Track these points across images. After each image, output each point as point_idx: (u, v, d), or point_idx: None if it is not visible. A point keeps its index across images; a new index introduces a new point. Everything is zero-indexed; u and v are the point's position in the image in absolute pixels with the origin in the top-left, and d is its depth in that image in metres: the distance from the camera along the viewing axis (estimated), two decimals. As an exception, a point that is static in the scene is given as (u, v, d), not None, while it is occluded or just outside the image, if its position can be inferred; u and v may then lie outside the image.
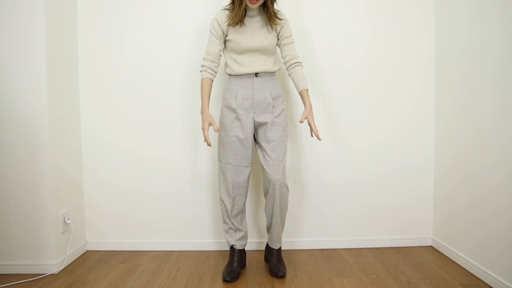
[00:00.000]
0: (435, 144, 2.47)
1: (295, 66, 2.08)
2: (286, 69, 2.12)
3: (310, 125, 2.01)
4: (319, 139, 2.02)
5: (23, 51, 2.03)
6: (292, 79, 2.11)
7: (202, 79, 2.04)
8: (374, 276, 2.06)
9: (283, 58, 2.11)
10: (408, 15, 2.43)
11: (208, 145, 1.97)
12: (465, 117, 2.14)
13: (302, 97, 2.06)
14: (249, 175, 2.11)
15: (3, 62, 2.04)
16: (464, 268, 2.14)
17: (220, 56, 2.07)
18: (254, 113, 2.05)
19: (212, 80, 2.06)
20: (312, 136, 2.05)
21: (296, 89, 2.09)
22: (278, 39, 2.08)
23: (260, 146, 2.07)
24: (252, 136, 2.08)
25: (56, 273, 2.11)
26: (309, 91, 2.13)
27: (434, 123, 2.48)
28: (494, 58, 1.91)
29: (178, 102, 2.43)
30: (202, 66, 2.06)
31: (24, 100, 2.05)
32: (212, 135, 2.40)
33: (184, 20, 2.40)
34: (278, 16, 2.02)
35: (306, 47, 2.39)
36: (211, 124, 1.97)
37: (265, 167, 2.02)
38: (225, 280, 2.01)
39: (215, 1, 2.37)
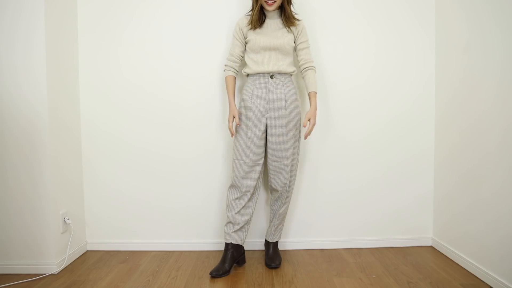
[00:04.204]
0: (435, 144, 2.47)
1: (307, 70, 2.18)
2: (300, 72, 2.23)
3: (311, 126, 2.13)
4: (304, 138, 2.17)
5: (22, 50, 2.03)
6: (304, 81, 2.22)
7: (226, 77, 2.21)
8: (374, 276, 2.06)
9: (298, 61, 2.22)
10: (408, 14, 2.44)
11: (232, 135, 2.18)
12: (465, 116, 2.14)
13: (309, 98, 2.18)
14: (260, 172, 2.17)
15: (3, 61, 2.04)
16: (464, 268, 2.14)
17: (242, 57, 2.21)
18: (268, 113, 2.12)
19: (235, 78, 2.22)
20: (302, 137, 2.21)
21: (306, 90, 2.20)
22: (295, 43, 2.17)
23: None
24: (264, 134, 2.16)
25: (56, 273, 2.11)
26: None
27: (433, 123, 2.48)
28: (494, 58, 1.91)
29: (179, 102, 2.43)
30: (225, 65, 2.22)
31: (24, 99, 2.05)
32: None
33: (184, 20, 2.40)
34: (295, 17, 2.13)
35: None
36: (234, 117, 2.14)
37: (272, 178, 2.23)
38: (211, 275, 2.05)
39: (214, 2, 2.39)
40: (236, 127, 2.19)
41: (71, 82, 2.34)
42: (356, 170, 2.49)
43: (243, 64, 2.24)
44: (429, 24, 2.45)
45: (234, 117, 2.14)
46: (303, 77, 2.21)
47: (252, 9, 2.13)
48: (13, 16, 2.02)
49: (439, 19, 2.40)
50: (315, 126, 2.31)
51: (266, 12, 2.13)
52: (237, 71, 2.22)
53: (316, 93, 2.17)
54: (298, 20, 2.15)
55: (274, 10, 2.10)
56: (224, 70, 2.24)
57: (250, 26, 2.11)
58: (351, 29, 2.43)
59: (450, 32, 2.30)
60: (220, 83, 2.41)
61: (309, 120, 2.12)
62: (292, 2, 2.13)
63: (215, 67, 2.41)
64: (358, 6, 2.43)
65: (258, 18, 2.09)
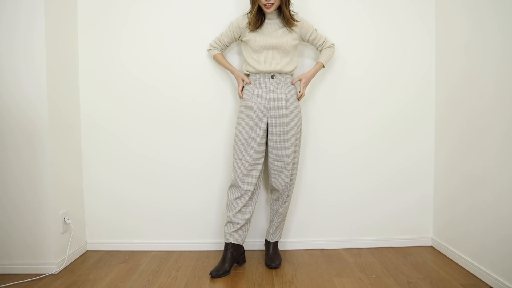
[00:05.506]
0: (435, 144, 2.47)
1: (323, 49, 2.27)
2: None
3: (301, 88, 2.22)
4: (297, 97, 2.21)
5: (23, 49, 2.03)
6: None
7: (214, 55, 2.29)
8: (374, 276, 2.07)
9: (316, 49, 2.31)
10: (408, 13, 2.44)
11: (240, 97, 2.23)
12: (465, 116, 2.14)
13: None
14: (260, 172, 2.18)
15: (3, 61, 2.04)
16: (464, 268, 2.14)
17: (227, 47, 2.30)
18: (269, 113, 2.14)
19: (222, 54, 2.30)
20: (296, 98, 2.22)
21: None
22: (303, 40, 2.24)
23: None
24: (265, 134, 2.17)
25: (56, 273, 2.11)
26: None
27: (433, 124, 2.48)
28: (493, 54, 1.91)
29: (180, 103, 2.43)
30: (210, 45, 2.31)
31: (24, 98, 2.05)
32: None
33: (183, 19, 2.40)
34: (295, 18, 2.14)
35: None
36: (243, 79, 2.21)
37: (272, 177, 2.24)
38: (211, 275, 2.05)
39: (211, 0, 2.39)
40: (237, 127, 2.19)
41: (72, 80, 2.34)
42: (357, 173, 2.49)
43: (243, 62, 2.24)
44: (429, 17, 2.44)
45: (243, 80, 2.20)
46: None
47: (250, 11, 2.14)
48: (12, 12, 2.02)
49: (439, 13, 2.40)
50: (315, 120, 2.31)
51: (265, 14, 2.14)
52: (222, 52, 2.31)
53: (322, 65, 2.23)
54: (297, 21, 2.15)
55: (273, 11, 2.11)
56: (209, 50, 2.31)
57: (250, 28, 2.12)
58: (350, 25, 2.43)
59: (450, 27, 2.30)
60: (221, 83, 2.41)
61: (299, 79, 2.20)
62: (290, 2, 2.13)
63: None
64: (363, 1, 2.43)
65: (256, 20, 2.11)
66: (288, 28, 2.14)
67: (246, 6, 2.22)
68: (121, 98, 2.43)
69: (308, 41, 2.25)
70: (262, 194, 2.45)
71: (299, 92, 2.22)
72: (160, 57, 2.41)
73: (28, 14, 2.02)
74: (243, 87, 2.22)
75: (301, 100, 2.37)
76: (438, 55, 2.42)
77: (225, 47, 2.28)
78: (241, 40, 2.21)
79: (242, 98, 2.20)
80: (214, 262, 2.24)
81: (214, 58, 2.30)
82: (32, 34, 2.03)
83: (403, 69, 2.46)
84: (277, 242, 2.32)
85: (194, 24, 2.40)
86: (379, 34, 2.44)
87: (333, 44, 2.28)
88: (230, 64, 2.29)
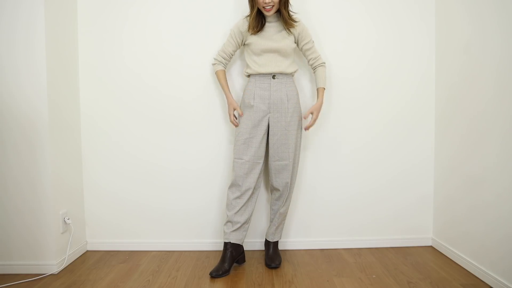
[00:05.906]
0: (435, 144, 2.47)
1: (317, 67, 2.25)
2: (312, 69, 2.29)
3: (312, 121, 2.19)
4: (305, 129, 2.22)
5: (23, 49, 2.03)
6: (315, 77, 2.28)
7: (217, 71, 2.25)
8: (374, 276, 2.07)
9: (307, 61, 2.27)
10: (409, 12, 2.44)
11: (235, 126, 2.21)
12: (465, 116, 2.14)
13: (317, 93, 2.25)
14: (260, 171, 2.18)
15: (4, 60, 2.04)
16: (464, 268, 2.14)
17: (232, 56, 2.26)
18: (270, 113, 2.15)
19: (225, 71, 2.26)
20: (303, 127, 2.23)
21: (316, 86, 2.27)
22: (298, 46, 2.22)
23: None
24: (266, 134, 2.18)
25: (56, 273, 2.11)
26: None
27: (434, 123, 2.48)
28: (493, 57, 1.91)
29: (180, 102, 2.43)
30: (215, 59, 2.26)
31: (24, 97, 2.05)
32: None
33: (183, 19, 2.40)
34: (293, 18, 2.14)
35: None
36: (235, 109, 2.19)
37: (273, 177, 2.24)
38: (210, 275, 2.05)
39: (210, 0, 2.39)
40: (238, 125, 2.19)
41: (72, 79, 2.34)
42: (357, 173, 2.49)
43: (243, 64, 2.24)
44: (429, 16, 2.44)
45: (234, 109, 2.19)
46: (314, 73, 2.27)
47: (249, 14, 2.14)
48: (12, 12, 2.01)
49: (439, 12, 2.40)
50: (319, 122, 2.33)
51: (265, 16, 2.14)
52: (226, 67, 2.27)
53: (324, 89, 2.24)
54: (296, 22, 2.15)
55: (273, 14, 2.11)
56: (214, 64, 2.27)
57: (250, 31, 2.12)
58: (350, 24, 2.43)
59: (450, 26, 2.29)
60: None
61: (311, 113, 2.18)
62: (289, 3, 2.13)
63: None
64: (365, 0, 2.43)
65: (257, 23, 2.11)
66: (287, 31, 2.14)
67: (246, 6, 2.22)
68: (122, 98, 2.43)
69: (301, 49, 2.23)
70: (262, 194, 2.45)
71: (309, 122, 2.19)
72: (161, 57, 2.41)
73: (28, 14, 2.02)
74: (235, 116, 2.21)
75: (301, 101, 2.36)
76: (438, 54, 2.42)
77: (230, 57, 2.25)
78: (244, 44, 2.21)
79: (237, 126, 2.19)
80: (214, 262, 2.24)
81: (216, 74, 2.25)
82: (32, 33, 2.02)
83: (403, 69, 2.46)
84: (277, 242, 2.32)
85: (195, 23, 2.40)
86: (379, 33, 2.44)
87: (324, 63, 2.25)
88: (228, 88, 2.25)
